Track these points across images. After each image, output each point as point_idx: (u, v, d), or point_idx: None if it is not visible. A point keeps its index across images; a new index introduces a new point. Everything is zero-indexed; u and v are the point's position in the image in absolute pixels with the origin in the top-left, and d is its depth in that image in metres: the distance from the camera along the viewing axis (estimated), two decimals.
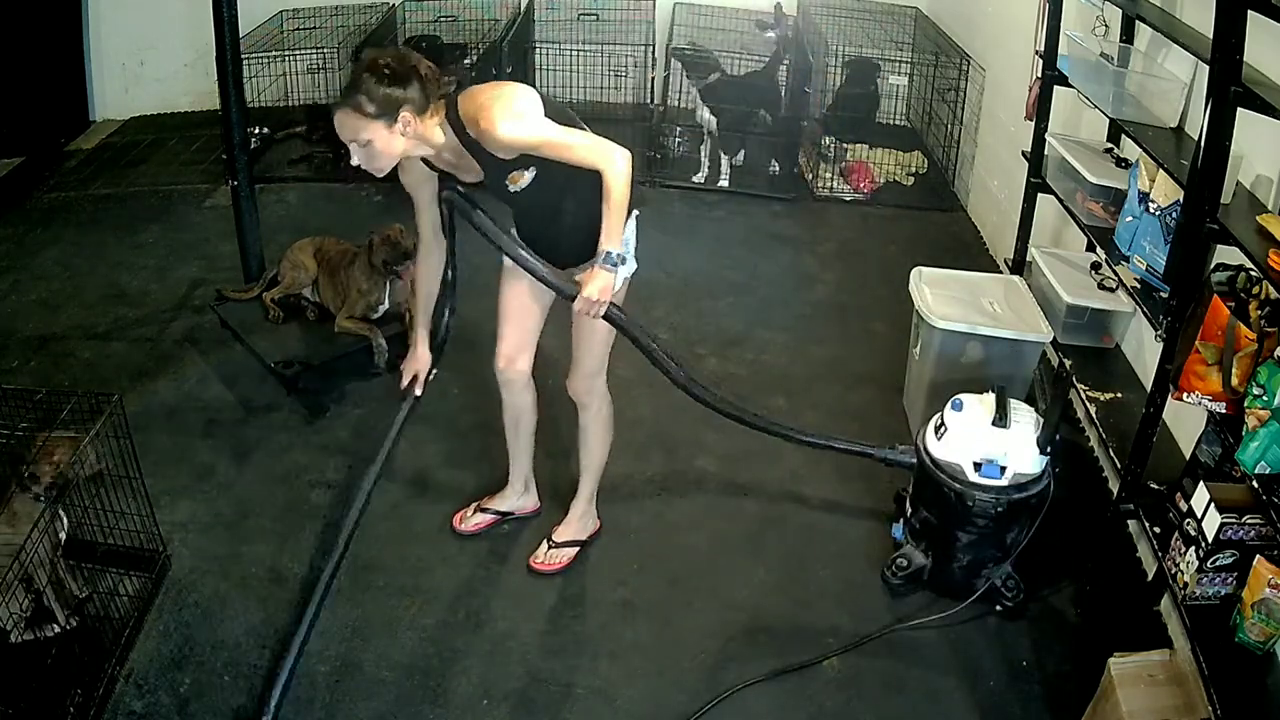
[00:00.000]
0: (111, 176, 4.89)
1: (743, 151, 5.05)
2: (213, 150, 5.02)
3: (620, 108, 5.40)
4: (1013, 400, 2.51)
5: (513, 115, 2.05)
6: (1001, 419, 2.44)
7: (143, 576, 2.54)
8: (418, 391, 2.51)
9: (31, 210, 4.53)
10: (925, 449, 2.55)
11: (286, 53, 5.02)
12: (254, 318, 3.58)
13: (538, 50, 5.31)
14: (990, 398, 2.51)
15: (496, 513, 2.81)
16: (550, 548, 2.71)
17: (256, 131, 4.86)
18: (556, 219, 2.30)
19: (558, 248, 2.34)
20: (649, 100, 5.19)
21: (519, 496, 2.82)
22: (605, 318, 2.28)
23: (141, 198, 4.66)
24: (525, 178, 2.18)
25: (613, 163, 2.09)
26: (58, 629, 2.31)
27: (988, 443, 2.44)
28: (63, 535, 2.33)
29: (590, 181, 2.12)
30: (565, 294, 2.26)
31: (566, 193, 2.23)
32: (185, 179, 4.84)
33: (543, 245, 2.32)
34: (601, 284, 2.19)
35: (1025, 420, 2.47)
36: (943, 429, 2.51)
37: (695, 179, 4.93)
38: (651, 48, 5.06)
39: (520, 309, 2.49)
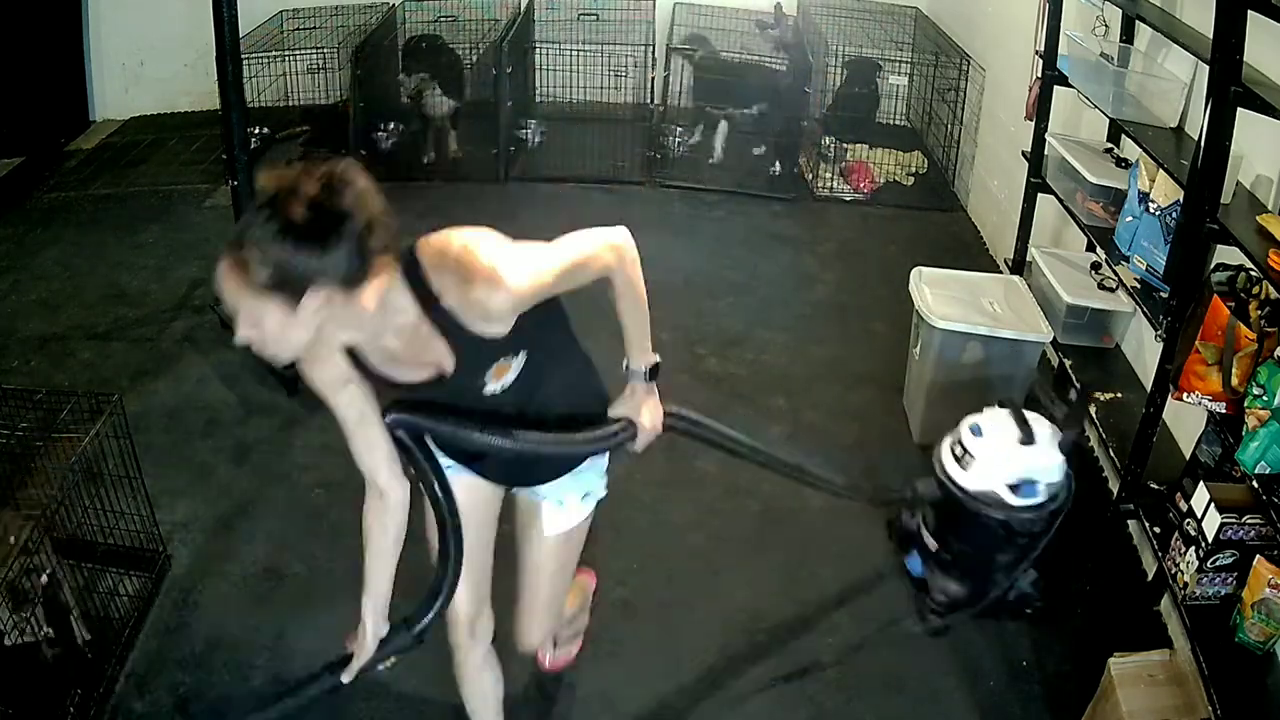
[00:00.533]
0: (111, 176, 4.89)
1: (723, 123, 5.11)
2: (213, 150, 5.02)
3: (620, 108, 5.40)
4: (1027, 412, 2.40)
5: (513, 259, 1.42)
6: (1029, 437, 2.32)
7: (143, 576, 2.54)
8: (344, 678, 1.82)
9: (31, 210, 4.53)
10: (953, 481, 2.35)
11: (286, 53, 5.01)
12: None
13: (538, 50, 5.31)
14: (1003, 414, 2.39)
15: None
16: (556, 645, 2.35)
17: (256, 131, 4.85)
18: (538, 423, 1.64)
19: (535, 465, 1.75)
20: (649, 100, 5.19)
21: None
22: (667, 429, 1.79)
23: (141, 198, 4.66)
24: (512, 368, 1.54)
25: (624, 251, 1.57)
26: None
27: (1019, 463, 2.30)
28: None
29: (578, 359, 1.73)
30: (620, 443, 1.72)
31: (554, 381, 1.65)
32: (185, 179, 4.84)
33: (511, 463, 1.71)
34: (651, 404, 1.73)
35: (1044, 431, 2.38)
36: (968, 457, 2.34)
37: (711, 161, 5.04)
38: (651, 48, 5.06)
39: (466, 556, 1.73)
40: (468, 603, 1.88)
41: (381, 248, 1.33)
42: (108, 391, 2.46)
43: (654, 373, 1.72)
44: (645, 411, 1.72)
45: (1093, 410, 2.88)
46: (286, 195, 1.28)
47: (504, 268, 1.39)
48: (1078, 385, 3.00)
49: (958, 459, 2.38)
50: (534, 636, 1.96)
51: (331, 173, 1.31)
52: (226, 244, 1.30)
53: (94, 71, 5.47)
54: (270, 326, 1.32)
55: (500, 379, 1.54)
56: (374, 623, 1.78)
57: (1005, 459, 2.30)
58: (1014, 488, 2.29)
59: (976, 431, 2.36)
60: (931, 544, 2.50)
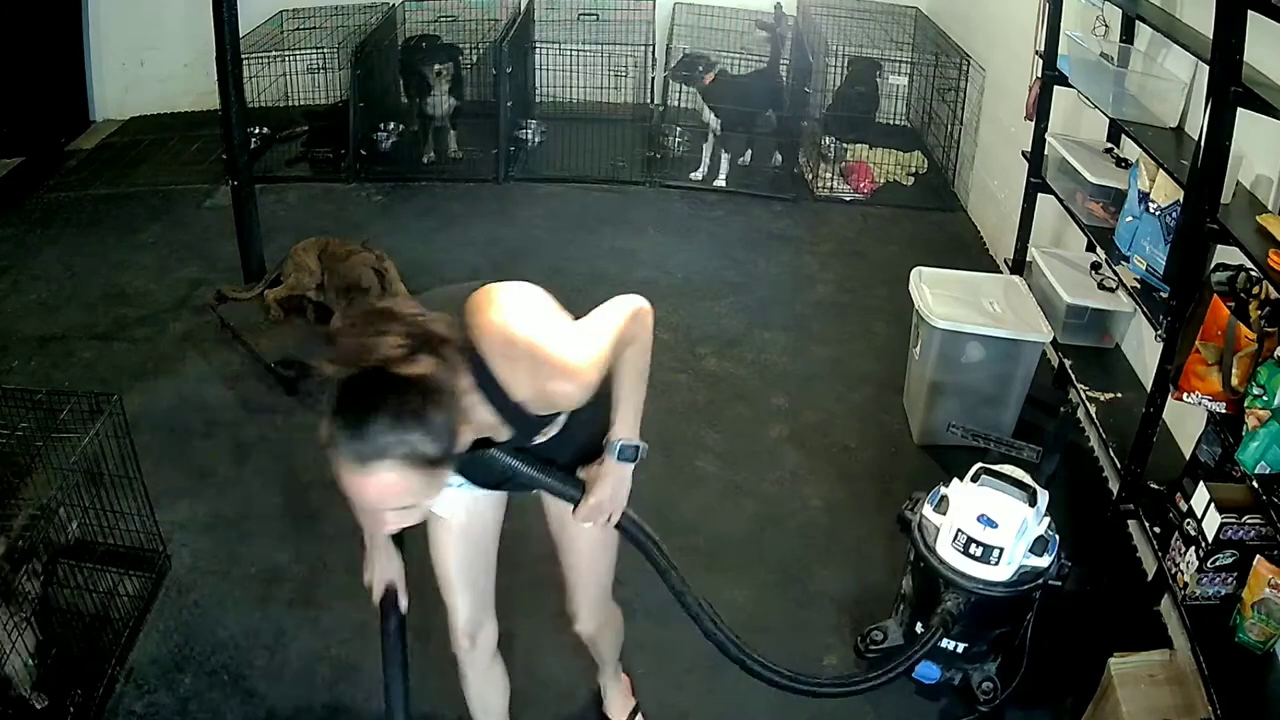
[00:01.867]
0: (111, 176, 4.89)
1: (749, 151, 5.07)
2: (213, 150, 5.02)
3: (620, 108, 5.41)
4: (1006, 469, 2.27)
5: (575, 344, 1.42)
6: (1030, 498, 2.18)
7: (143, 576, 2.54)
8: (402, 603, 1.83)
9: (31, 210, 4.53)
10: (989, 584, 2.15)
11: (286, 53, 5.02)
12: (254, 318, 3.58)
13: (538, 50, 5.32)
14: (986, 490, 2.20)
15: None
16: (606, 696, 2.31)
17: (256, 131, 4.86)
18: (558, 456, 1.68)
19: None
20: (649, 100, 5.19)
21: None
22: (617, 527, 1.73)
23: (141, 198, 4.66)
24: (555, 426, 1.58)
25: (646, 327, 1.57)
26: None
27: (1033, 526, 2.16)
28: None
29: (603, 415, 1.66)
30: (566, 497, 1.69)
31: (581, 436, 1.67)
32: (185, 179, 4.84)
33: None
34: (615, 483, 1.66)
35: (1029, 480, 2.26)
36: (993, 552, 2.13)
37: (693, 175, 4.93)
38: (651, 48, 5.06)
39: (468, 567, 1.83)
40: (468, 614, 1.87)
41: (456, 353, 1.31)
42: (108, 391, 2.46)
43: (632, 454, 1.64)
44: (603, 487, 1.65)
45: (1093, 410, 2.88)
46: (388, 386, 1.22)
47: (573, 359, 1.39)
48: (1068, 404, 3.00)
49: (980, 559, 2.15)
50: (590, 619, 1.97)
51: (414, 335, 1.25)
52: (350, 456, 1.23)
53: (94, 71, 5.47)
54: (426, 495, 1.32)
55: (545, 437, 1.58)
56: (383, 542, 1.80)
57: (1023, 533, 2.15)
58: (1037, 552, 2.17)
59: (989, 523, 2.15)
60: (959, 646, 2.27)
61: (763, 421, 3.29)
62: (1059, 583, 2.19)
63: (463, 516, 1.75)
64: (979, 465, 2.27)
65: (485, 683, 1.99)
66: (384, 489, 1.25)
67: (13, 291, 3.87)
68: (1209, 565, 2.15)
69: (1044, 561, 2.16)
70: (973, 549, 2.14)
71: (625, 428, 1.64)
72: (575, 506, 1.67)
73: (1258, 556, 2.06)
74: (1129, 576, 2.73)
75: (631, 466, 1.66)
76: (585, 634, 2.02)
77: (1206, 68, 2.27)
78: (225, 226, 3.96)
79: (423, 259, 4.06)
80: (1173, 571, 2.29)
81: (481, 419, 1.43)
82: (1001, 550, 2.12)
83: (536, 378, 1.39)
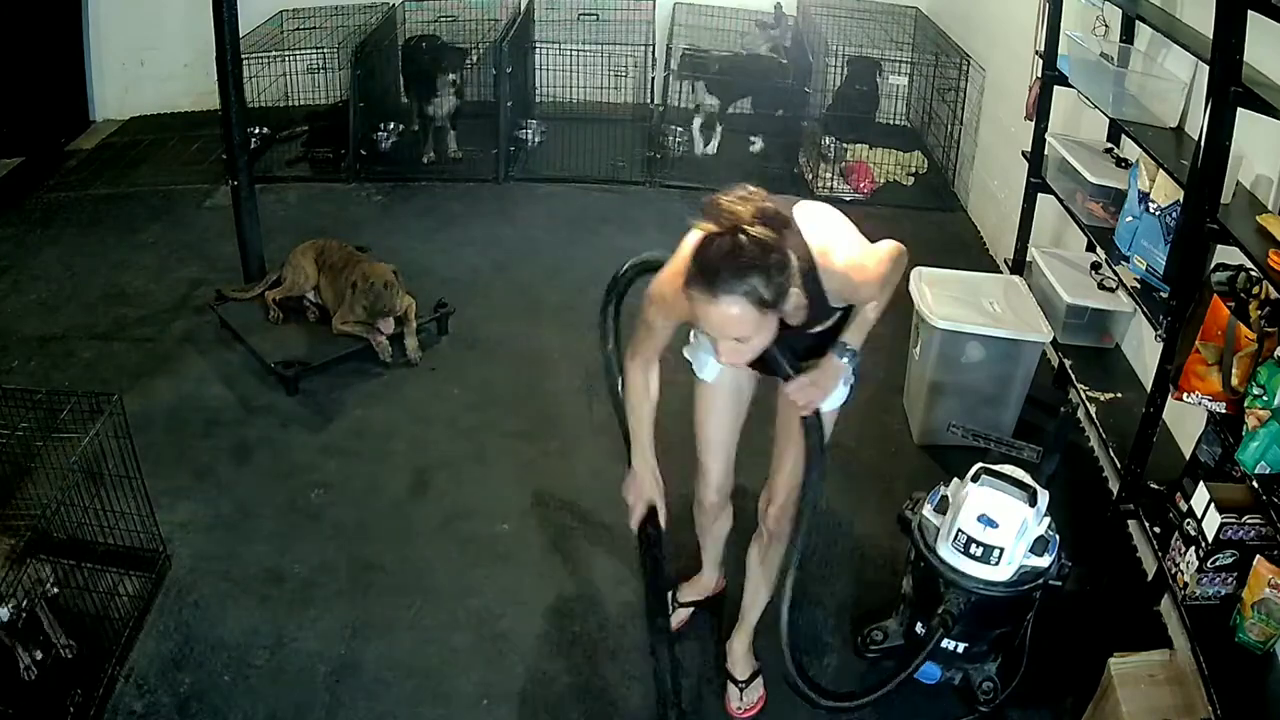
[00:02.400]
0: (111, 176, 4.89)
1: (760, 140, 5.18)
2: (213, 150, 5.02)
3: (620, 108, 5.41)
4: (1006, 470, 2.26)
5: (873, 263, 1.85)
6: (1031, 498, 2.18)
7: (143, 576, 2.54)
8: (662, 522, 2.14)
9: (31, 210, 4.52)
10: (985, 580, 2.16)
11: (286, 53, 5.02)
12: (254, 318, 3.58)
13: (538, 50, 5.31)
14: (987, 489, 2.19)
15: (693, 603, 2.60)
16: (742, 691, 2.40)
17: (256, 131, 4.86)
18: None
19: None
20: (649, 100, 5.19)
21: (713, 582, 2.62)
22: (806, 420, 1.98)
23: (141, 198, 4.66)
24: (829, 321, 1.95)
25: (901, 267, 1.93)
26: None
27: (1033, 526, 2.17)
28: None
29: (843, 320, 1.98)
30: (786, 373, 1.93)
31: (834, 332, 1.98)
32: (185, 179, 4.84)
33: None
34: (829, 372, 1.94)
35: (1030, 479, 2.26)
36: (994, 553, 2.14)
37: (702, 152, 5.07)
38: (651, 48, 5.06)
39: (725, 439, 2.25)
40: (718, 478, 2.30)
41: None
42: (108, 391, 2.46)
43: (850, 356, 1.94)
44: (819, 371, 1.93)
45: (1093, 410, 2.88)
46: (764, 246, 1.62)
47: (871, 265, 1.85)
48: (1068, 404, 2.99)
49: (980, 559, 2.15)
50: (776, 509, 2.21)
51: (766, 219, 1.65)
52: (704, 288, 1.63)
53: (94, 71, 5.47)
54: (758, 337, 1.70)
55: (815, 329, 1.94)
56: (651, 467, 2.14)
57: (1024, 533, 2.15)
58: (1038, 551, 2.17)
59: (989, 523, 2.15)
60: (959, 646, 2.27)
61: (763, 422, 3.28)
62: (1059, 583, 2.19)
63: (729, 385, 2.18)
64: (979, 465, 2.26)
65: (717, 524, 2.44)
66: (727, 318, 1.64)
67: (13, 291, 3.87)
68: (1209, 565, 2.15)
69: (1044, 561, 2.16)
70: (973, 549, 2.14)
71: (853, 337, 1.95)
72: (790, 380, 1.93)
73: (1258, 556, 2.06)
74: (1129, 576, 2.73)
75: (845, 363, 1.94)
76: (770, 522, 2.23)
77: (1206, 68, 2.27)
78: (225, 226, 3.96)
79: (423, 259, 4.06)
80: (1173, 571, 2.29)
81: (794, 295, 1.78)
82: (1002, 550, 2.12)
83: (848, 286, 1.83)
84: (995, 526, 2.13)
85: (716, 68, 4.90)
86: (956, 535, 2.16)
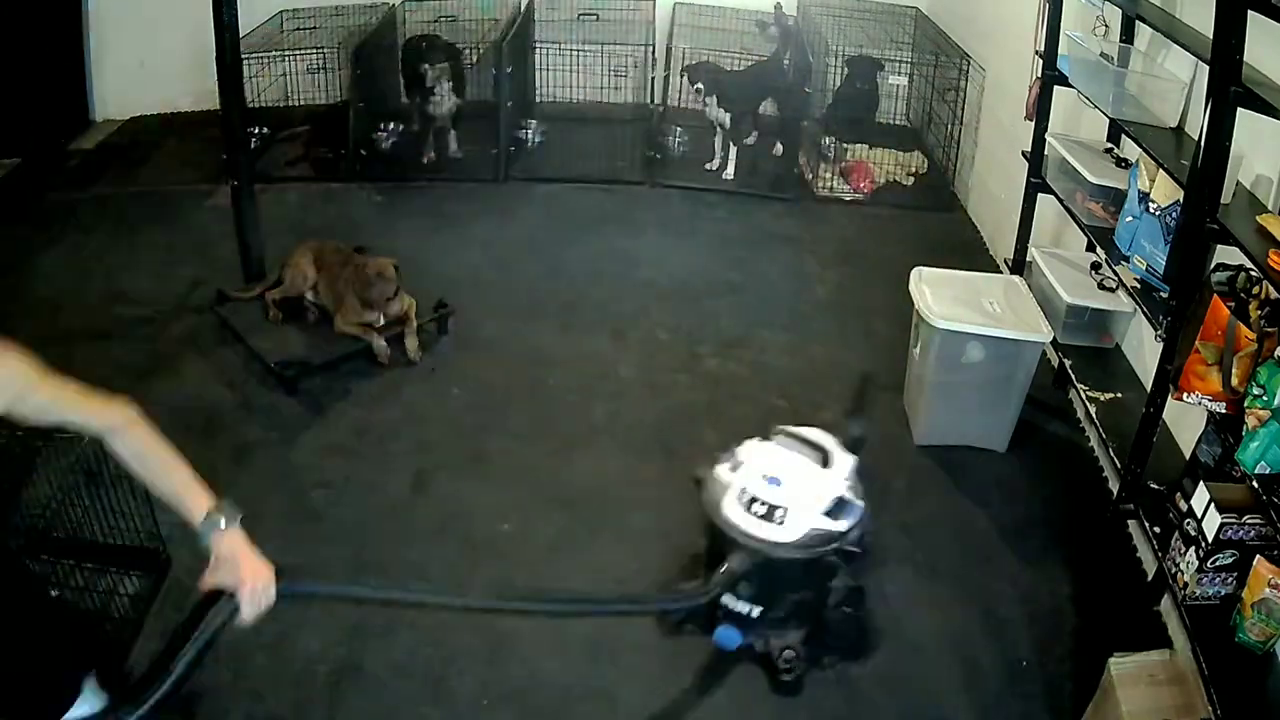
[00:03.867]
0: (112, 177, 4.88)
1: (755, 133, 5.18)
2: (213, 150, 5.00)
3: (620, 108, 5.40)
4: (801, 429, 2.25)
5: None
6: (826, 459, 2.17)
7: (143, 576, 2.54)
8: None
9: (31, 210, 4.52)
10: (774, 544, 2.13)
11: (286, 53, 5.02)
12: (254, 318, 3.58)
13: (538, 50, 5.32)
14: (778, 446, 2.20)
15: None
16: None
17: (256, 131, 4.86)
18: None
19: None
20: (649, 100, 5.19)
21: None
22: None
23: (141, 198, 4.65)
24: None
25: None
26: None
27: (827, 489, 2.15)
28: None
29: None
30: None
31: None
32: (185, 179, 4.83)
33: None
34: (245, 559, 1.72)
35: (829, 441, 2.24)
36: (778, 512, 2.13)
37: (708, 167, 4.99)
38: (651, 48, 5.06)
39: None
40: None
41: None
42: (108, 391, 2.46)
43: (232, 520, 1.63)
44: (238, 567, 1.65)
45: (1093, 410, 2.88)
46: None
47: None
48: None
49: (765, 518, 2.13)
50: None
51: None
52: None
53: (94, 71, 5.47)
54: None
55: None
56: None
57: (814, 493, 2.13)
58: (832, 514, 2.15)
59: (775, 482, 2.13)
60: (754, 610, 2.25)
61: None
62: (857, 549, 2.18)
63: None
64: (778, 426, 2.24)
65: None
66: None
67: (13, 292, 3.87)
68: (1209, 565, 2.15)
69: (840, 525, 2.13)
70: (756, 507, 2.12)
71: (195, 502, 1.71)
72: None
73: (1258, 556, 2.06)
74: (1129, 576, 2.73)
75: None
76: None
77: (1206, 68, 2.27)
78: (225, 226, 3.96)
79: (423, 259, 4.06)
80: (1173, 571, 2.29)
81: None
82: (786, 510, 2.10)
83: None
84: (780, 485, 2.12)
85: (727, 80, 4.85)
86: (742, 493, 2.14)
